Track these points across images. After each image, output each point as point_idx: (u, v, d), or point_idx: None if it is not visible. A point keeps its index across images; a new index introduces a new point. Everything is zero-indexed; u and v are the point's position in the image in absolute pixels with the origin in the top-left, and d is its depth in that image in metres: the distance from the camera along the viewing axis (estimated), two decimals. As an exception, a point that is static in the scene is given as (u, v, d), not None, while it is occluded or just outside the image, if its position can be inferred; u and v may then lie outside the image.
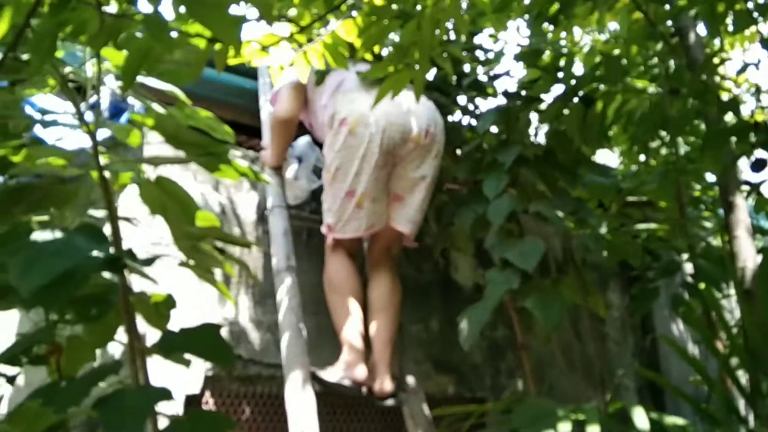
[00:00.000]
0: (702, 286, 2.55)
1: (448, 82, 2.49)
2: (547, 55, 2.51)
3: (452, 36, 2.51)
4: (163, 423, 1.09)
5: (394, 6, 1.35)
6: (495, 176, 2.15)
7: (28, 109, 1.53)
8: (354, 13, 1.43)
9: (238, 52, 1.09)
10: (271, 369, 2.19)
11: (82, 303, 1.15)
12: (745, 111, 2.02)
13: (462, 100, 2.51)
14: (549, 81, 2.24)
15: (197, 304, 2.09)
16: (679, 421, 1.52)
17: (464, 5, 2.36)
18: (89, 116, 1.21)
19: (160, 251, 2.03)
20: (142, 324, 1.31)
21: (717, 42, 2.94)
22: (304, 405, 1.86)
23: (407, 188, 2.20)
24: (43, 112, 1.40)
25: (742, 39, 3.83)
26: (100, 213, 1.44)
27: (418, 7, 1.35)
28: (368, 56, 1.49)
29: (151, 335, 1.18)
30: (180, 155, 1.24)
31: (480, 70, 2.47)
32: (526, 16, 2.41)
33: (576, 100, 2.21)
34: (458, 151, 2.51)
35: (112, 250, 1.08)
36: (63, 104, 1.60)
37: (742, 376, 1.92)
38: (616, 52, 2.82)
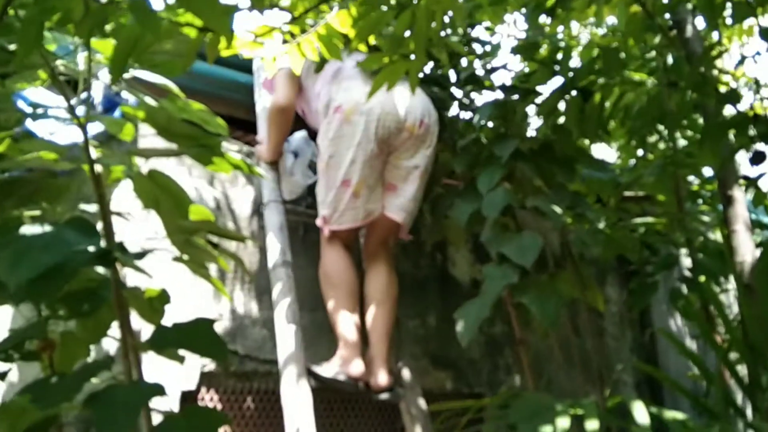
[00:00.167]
0: (702, 279, 2.54)
1: (445, 76, 2.48)
2: (544, 49, 2.50)
3: (449, 30, 2.50)
4: (157, 419, 1.08)
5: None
6: (489, 170, 2.13)
7: (21, 104, 1.51)
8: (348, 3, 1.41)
9: (230, 42, 1.07)
10: (267, 365, 2.18)
11: (73, 298, 1.14)
12: (743, 106, 2.00)
13: (459, 93, 2.50)
14: (546, 74, 2.23)
15: (192, 299, 2.08)
16: (679, 415, 1.51)
17: (461, -1, 2.33)
18: (81, 110, 1.19)
19: (155, 246, 2.01)
20: (136, 320, 1.30)
21: (715, 36, 2.93)
22: (300, 401, 1.85)
23: (401, 178, 2.19)
24: (35, 105, 1.38)
25: (740, 32, 3.82)
26: (92, 207, 1.42)
27: (414, -1, 1.34)
28: (363, 47, 1.47)
29: (146, 331, 1.16)
30: (173, 148, 1.22)
31: (477, 63, 2.45)
32: (523, 9, 2.39)
33: (574, 92, 2.19)
34: (457, 146, 2.49)
35: (103, 244, 1.06)
36: (55, 98, 1.59)
37: (741, 370, 1.91)
38: (614, 45, 2.80)
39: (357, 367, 2.01)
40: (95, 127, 1.80)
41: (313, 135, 2.36)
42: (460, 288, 2.82)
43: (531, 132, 2.43)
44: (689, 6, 2.32)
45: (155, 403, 1.78)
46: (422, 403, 2.15)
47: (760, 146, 2.07)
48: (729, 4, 2.02)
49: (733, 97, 1.95)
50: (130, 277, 1.86)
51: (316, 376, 1.98)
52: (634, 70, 2.45)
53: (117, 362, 1.35)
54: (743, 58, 2.09)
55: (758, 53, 1.97)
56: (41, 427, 1.03)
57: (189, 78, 2.35)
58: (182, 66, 1.12)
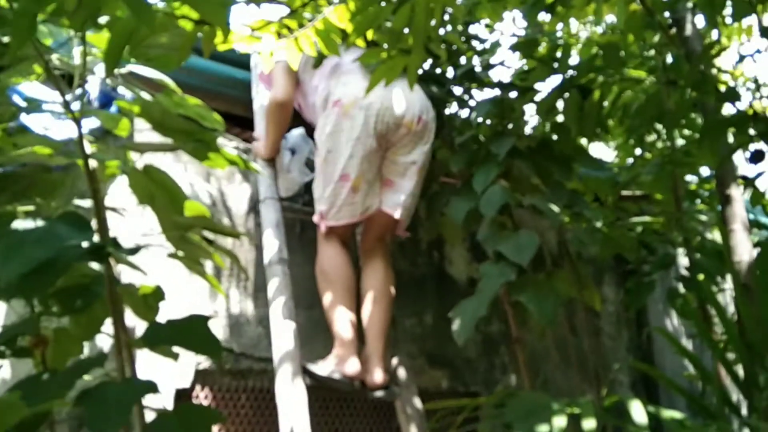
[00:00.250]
0: (701, 277, 2.54)
1: (444, 72, 2.47)
2: (543, 47, 2.49)
3: (449, 27, 2.49)
4: (150, 417, 1.07)
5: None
6: (485, 169, 2.12)
7: (15, 98, 1.49)
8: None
9: (226, 36, 1.05)
10: (262, 363, 2.17)
11: (66, 294, 1.13)
12: (742, 106, 2.00)
13: (458, 91, 2.49)
14: (545, 71, 2.22)
15: (188, 296, 2.07)
16: (676, 414, 1.51)
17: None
18: (77, 105, 1.18)
19: (151, 242, 2.00)
20: (131, 317, 1.29)
21: (715, 35, 2.92)
22: (295, 399, 1.84)
23: (398, 173, 2.18)
24: (29, 100, 1.37)
25: (739, 32, 3.81)
26: (87, 203, 1.41)
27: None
28: (360, 42, 1.46)
29: (141, 328, 1.15)
30: (168, 143, 1.21)
31: (476, 60, 2.44)
32: (523, 6, 2.38)
33: (573, 90, 2.18)
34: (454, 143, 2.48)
35: (96, 239, 1.05)
36: (51, 93, 1.58)
37: (737, 370, 1.90)
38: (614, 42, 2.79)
39: (353, 366, 2.00)
40: (91, 123, 1.79)
41: (310, 132, 2.35)
42: (457, 286, 2.82)
43: (528, 130, 2.42)
44: (689, 4, 2.31)
45: (149, 400, 1.78)
46: (417, 402, 2.14)
47: (759, 145, 2.06)
48: (729, 2, 2.01)
49: (733, 95, 1.94)
50: (125, 273, 1.85)
51: (312, 375, 1.97)
52: (633, 68, 2.44)
53: (111, 359, 1.34)
54: (743, 57, 2.09)
55: (759, 51, 1.95)
56: (32, 423, 1.02)
57: (187, 74, 2.34)
58: (178, 60, 1.11)
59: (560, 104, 2.28)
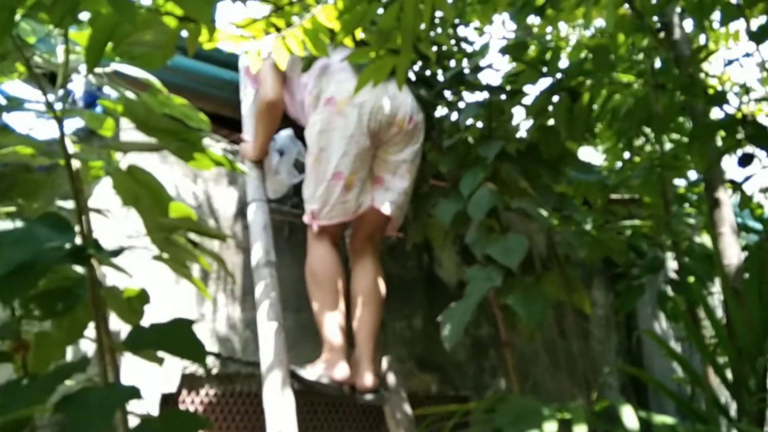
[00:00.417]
0: (691, 280, 2.54)
1: (434, 74, 2.46)
2: (532, 50, 2.48)
3: (439, 29, 2.48)
4: (134, 423, 1.05)
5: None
6: (472, 172, 2.11)
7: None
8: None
9: (211, 34, 1.03)
10: (250, 367, 2.14)
11: (48, 297, 1.10)
12: (730, 109, 2.00)
13: (446, 94, 2.47)
14: (534, 74, 2.21)
15: (174, 300, 2.04)
16: (668, 419, 1.50)
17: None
18: (60, 104, 1.15)
19: (136, 244, 1.98)
20: (116, 320, 1.27)
21: (702, 39, 2.93)
22: (283, 404, 1.82)
23: (389, 171, 2.17)
24: (11, 99, 1.34)
25: (726, 36, 3.83)
26: (70, 204, 1.39)
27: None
28: (348, 41, 1.44)
29: (126, 332, 1.13)
30: (152, 143, 1.19)
31: (465, 63, 2.43)
32: (512, 9, 2.37)
33: (562, 93, 2.18)
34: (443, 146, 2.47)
35: (78, 240, 1.03)
36: (35, 92, 1.55)
37: (727, 372, 1.90)
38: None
39: (341, 371, 1.98)
40: (75, 123, 1.76)
41: (299, 133, 2.33)
42: (447, 290, 2.80)
43: (522, 132, 2.41)
44: (678, 9, 2.32)
45: (133, 406, 1.75)
46: (407, 407, 2.12)
47: (748, 148, 2.06)
48: (717, 7, 2.01)
49: (721, 98, 1.94)
50: (111, 276, 1.82)
51: (300, 379, 1.95)
52: (622, 71, 2.45)
53: (94, 364, 1.32)
54: (731, 61, 2.09)
55: (748, 54, 1.96)
56: (12, 430, 0.99)
57: (174, 74, 2.31)
58: (162, 58, 1.09)
59: (549, 107, 2.27)
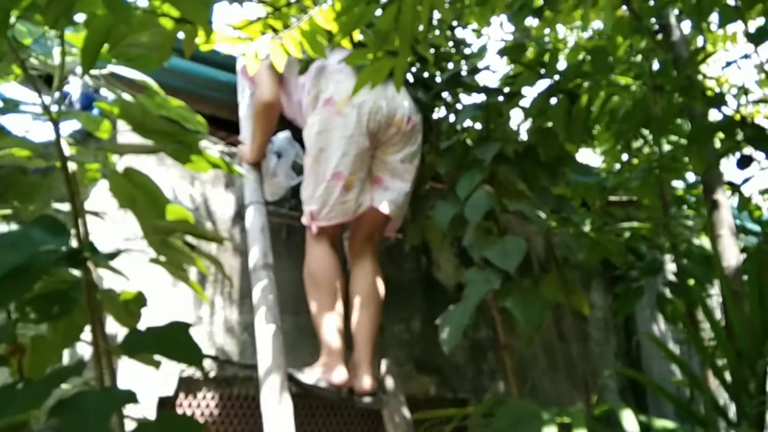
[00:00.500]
0: (691, 282, 2.54)
1: (432, 76, 2.45)
2: (530, 52, 2.48)
3: (437, 32, 2.48)
4: (131, 426, 1.04)
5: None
6: (469, 174, 2.11)
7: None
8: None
9: (208, 35, 1.03)
10: (247, 370, 2.13)
11: (44, 300, 1.09)
12: (729, 111, 2.00)
13: (444, 95, 2.47)
14: (532, 76, 2.21)
15: (172, 303, 2.03)
16: (669, 424, 1.49)
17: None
18: (56, 106, 1.15)
19: (133, 247, 1.97)
20: (112, 324, 1.26)
21: (700, 42, 2.93)
22: (281, 408, 1.81)
23: (387, 171, 2.17)
24: (6, 100, 1.34)
25: (724, 38, 3.84)
26: (67, 207, 1.38)
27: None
28: (346, 43, 1.44)
29: (124, 335, 1.12)
30: (149, 145, 1.18)
31: (463, 65, 2.43)
32: (510, 11, 2.37)
33: (560, 95, 2.18)
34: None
35: (74, 243, 1.02)
36: (30, 94, 1.54)
37: (726, 375, 1.90)
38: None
39: (339, 375, 1.97)
40: (72, 125, 1.75)
41: (297, 135, 2.32)
42: (445, 292, 2.80)
43: (522, 134, 2.41)
44: (676, 10, 2.32)
45: (130, 409, 1.74)
46: (405, 411, 2.11)
47: (746, 150, 2.06)
48: (715, 9, 2.01)
49: (720, 100, 1.94)
50: (108, 279, 1.82)
51: (298, 383, 1.94)
52: (620, 73, 2.44)
53: (90, 367, 1.31)
54: (729, 63, 2.09)
55: (747, 56, 1.96)
56: (8, 434, 0.99)
57: (171, 76, 2.31)
58: (159, 60, 1.08)
59: (548, 109, 2.27)
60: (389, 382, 2.18)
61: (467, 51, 2.50)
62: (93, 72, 1.33)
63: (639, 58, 2.56)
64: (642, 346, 3.45)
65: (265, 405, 1.82)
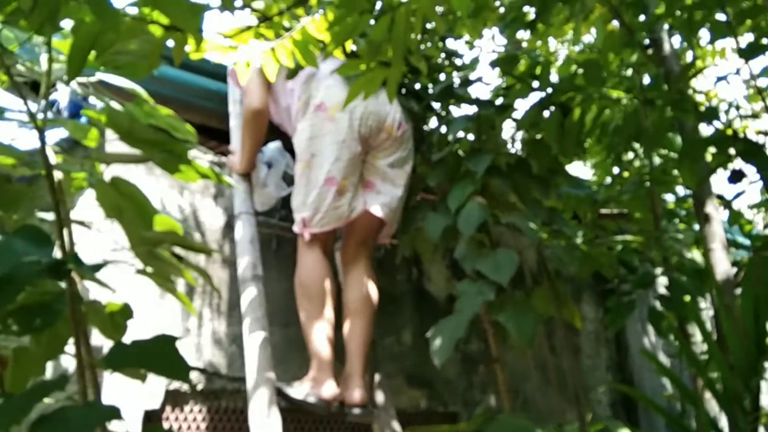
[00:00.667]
0: (687, 298, 2.53)
1: (424, 87, 2.45)
2: (522, 64, 2.48)
3: (429, 43, 2.48)
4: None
5: (366, -2, 1.29)
6: (460, 186, 2.10)
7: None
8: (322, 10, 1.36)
9: (198, 43, 1.01)
10: (235, 383, 2.10)
11: (26, 312, 1.07)
12: (719, 127, 2.00)
13: (436, 107, 2.46)
14: (525, 88, 2.21)
15: (160, 315, 2.00)
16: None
17: (440, 9, 2.31)
18: (42, 114, 1.13)
19: (120, 258, 1.94)
20: (98, 336, 1.23)
21: (689, 57, 2.95)
22: (269, 421, 1.78)
23: (378, 176, 2.16)
24: (-7, 108, 1.31)
25: (714, 54, 3.86)
26: (52, 216, 1.35)
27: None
28: (338, 53, 1.43)
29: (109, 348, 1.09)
30: (136, 154, 1.16)
31: (455, 76, 2.42)
32: (501, 24, 2.37)
33: (553, 108, 2.17)
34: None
35: (58, 254, 0.99)
36: (16, 101, 1.52)
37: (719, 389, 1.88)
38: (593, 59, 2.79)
39: (329, 389, 1.93)
40: (60, 133, 1.73)
41: (287, 145, 2.31)
42: (437, 304, 2.78)
43: (517, 145, 2.41)
44: (666, 25, 2.32)
45: (116, 423, 1.71)
46: (396, 424, 2.09)
47: (736, 165, 2.06)
48: (706, 24, 2.02)
49: (712, 115, 1.94)
50: (94, 290, 1.79)
51: (287, 397, 1.91)
52: (612, 87, 2.45)
53: (75, 381, 1.28)
54: (721, 77, 2.09)
55: (737, 72, 1.96)
56: (-15, 451, 0.96)
57: (160, 84, 2.29)
58: (147, 68, 1.06)
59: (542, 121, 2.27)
60: (379, 396, 2.16)
61: (459, 62, 2.49)
62: (81, 80, 1.32)
63: (630, 72, 2.57)
64: (633, 359, 3.44)
65: (253, 418, 1.79)
